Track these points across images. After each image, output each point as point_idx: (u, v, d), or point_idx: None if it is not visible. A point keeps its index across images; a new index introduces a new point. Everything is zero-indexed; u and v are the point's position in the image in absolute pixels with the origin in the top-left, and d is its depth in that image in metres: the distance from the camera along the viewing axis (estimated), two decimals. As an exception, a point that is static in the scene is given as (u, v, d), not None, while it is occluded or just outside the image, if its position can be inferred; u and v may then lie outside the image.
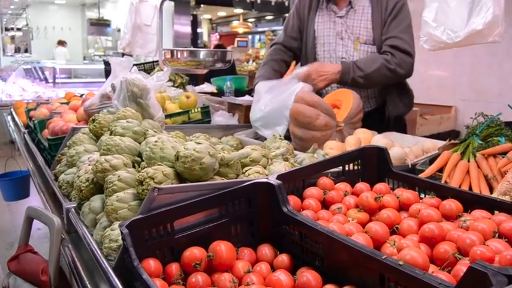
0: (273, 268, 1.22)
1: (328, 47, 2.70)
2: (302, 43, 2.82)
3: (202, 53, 2.88)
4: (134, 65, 4.27)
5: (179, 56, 2.76)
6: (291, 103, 2.15)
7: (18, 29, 13.23)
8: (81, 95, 3.83)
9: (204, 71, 3.21)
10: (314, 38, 2.72)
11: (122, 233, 1.10)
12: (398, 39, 2.45)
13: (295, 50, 2.88)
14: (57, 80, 8.38)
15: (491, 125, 1.86)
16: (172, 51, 2.77)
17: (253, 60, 14.08)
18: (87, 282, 1.33)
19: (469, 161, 1.74)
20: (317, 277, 1.10)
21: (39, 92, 7.52)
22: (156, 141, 1.47)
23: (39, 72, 8.52)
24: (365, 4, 2.57)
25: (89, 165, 1.65)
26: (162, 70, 3.56)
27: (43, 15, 15.78)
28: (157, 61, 4.10)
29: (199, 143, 1.38)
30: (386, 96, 2.63)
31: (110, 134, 1.76)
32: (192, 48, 4.28)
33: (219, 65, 2.93)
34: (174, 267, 1.17)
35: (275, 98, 2.32)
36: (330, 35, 2.66)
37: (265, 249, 1.27)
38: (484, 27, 2.05)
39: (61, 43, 15.03)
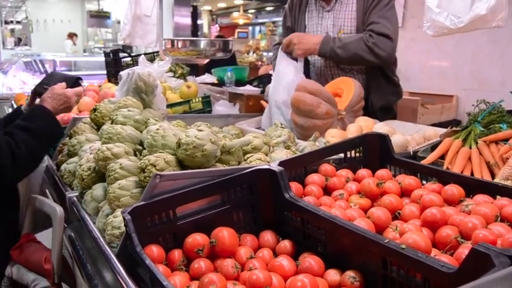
0: (275, 254, 1.22)
1: None
2: None
3: (203, 43, 2.87)
4: (133, 56, 4.28)
5: (180, 45, 2.75)
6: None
7: (18, 22, 13.19)
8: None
9: (205, 61, 3.20)
10: None
11: (124, 219, 1.10)
12: (375, 24, 2.45)
13: None
14: (57, 73, 8.34)
15: (493, 112, 1.86)
16: (172, 41, 2.76)
17: (254, 52, 14.02)
18: (90, 270, 1.34)
19: (470, 147, 1.74)
20: (319, 262, 1.10)
21: (39, 85, 7.50)
22: (157, 129, 1.47)
23: (40, 65, 8.48)
24: None
25: (91, 154, 1.65)
26: (162, 60, 3.56)
27: (42, 7, 15.71)
28: (157, 52, 4.09)
29: (200, 130, 1.38)
30: (370, 84, 2.61)
31: (111, 123, 1.76)
32: (192, 38, 4.27)
33: (219, 55, 2.92)
34: (176, 254, 1.17)
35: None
36: (318, 30, 2.68)
37: (268, 236, 1.28)
38: (488, 11, 2.04)
39: (70, 36, 14.95)
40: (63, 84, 2.06)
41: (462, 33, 2.23)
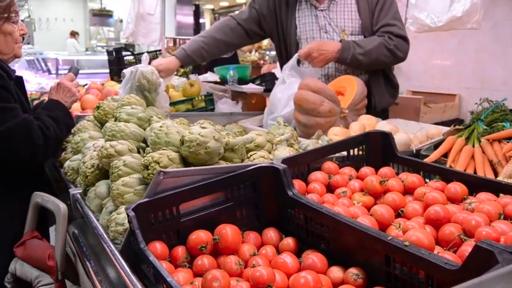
0: (279, 251, 1.22)
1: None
2: (279, 42, 2.77)
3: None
4: (136, 54, 4.28)
5: (182, 44, 2.75)
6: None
7: (21, 21, 13.20)
8: (85, 85, 3.83)
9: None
10: (296, 34, 2.67)
11: (128, 215, 1.11)
12: (391, 26, 2.45)
13: (254, 36, 2.84)
14: (60, 71, 8.35)
15: (496, 110, 1.86)
16: (174, 39, 2.76)
17: (256, 50, 13.99)
18: (94, 266, 1.35)
19: (473, 146, 1.74)
20: (323, 259, 1.11)
21: (42, 84, 7.50)
22: (161, 127, 1.47)
23: (42, 64, 8.49)
24: None
25: (94, 151, 1.66)
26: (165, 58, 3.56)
27: (45, 6, 15.72)
28: (159, 50, 4.09)
29: (204, 128, 1.38)
30: (372, 86, 2.59)
31: (115, 121, 1.76)
32: (194, 36, 4.27)
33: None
34: (180, 250, 1.18)
35: None
36: (313, 29, 2.61)
37: (271, 233, 1.28)
38: (464, 14, 2.13)
39: (72, 34, 14.96)
40: (71, 75, 2.21)
41: (442, 31, 2.31)
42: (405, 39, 2.46)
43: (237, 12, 2.93)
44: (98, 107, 1.97)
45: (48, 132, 1.80)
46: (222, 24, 2.80)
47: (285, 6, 2.69)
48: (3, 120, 1.69)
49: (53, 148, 1.90)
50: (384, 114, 2.62)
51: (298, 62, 2.54)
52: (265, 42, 14.88)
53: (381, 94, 2.59)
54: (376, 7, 2.48)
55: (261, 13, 2.74)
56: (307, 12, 2.62)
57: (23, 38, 2.09)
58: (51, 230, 2.17)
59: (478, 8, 2.09)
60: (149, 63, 2.29)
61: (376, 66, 2.53)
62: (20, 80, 2.03)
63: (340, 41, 2.45)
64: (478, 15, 2.10)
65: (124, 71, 2.16)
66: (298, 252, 1.20)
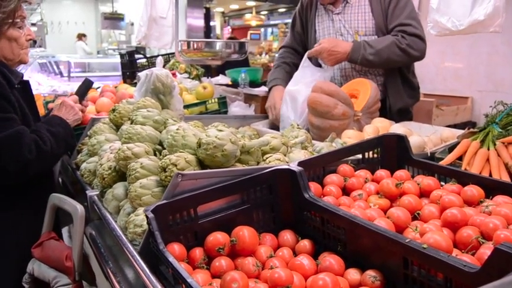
0: (295, 253, 1.23)
1: None
2: (302, 48, 2.88)
3: (218, 44, 2.88)
4: (148, 57, 4.32)
5: (196, 47, 2.77)
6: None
7: (33, 24, 13.33)
8: (97, 88, 3.87)
9: (220, 62, 3.21)
10: (315, 39, 2.74)
11: (147, 217, 1.12)
12: (405, 25, 2.45)
13: (304, 53, 2.91)
14: (72, 74, 8.43)
15: (510, 113, 1.85)
16: (188, 43, 2.78)
17: (266, 53, 14.04)
18: (112, 267, 1.36)
19: (488, 149, 1.73)
20: (340, 261, 1.11)
21: (54, 86, 7.58)
22: (177, 129, 1.49)
23: (54, 67, 8.57)
24: None
25: (111, 153, 1.67)
26: (178, 62, 3.59)
27: (57, 9, 15.87)
28: (172, 53, 4.11)
29: (220, 130, 1.39)
30: (388, 86, 2.61)
31: (131, 123, 1.78)
32: (208, 39, 4.29)
33: (235, 56, 2.94)
34: (197, 252, 1.19)
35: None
36: (330, 33, 2.68)
37: (287, 235, 1.29)
38: (486, 17, 2.10)
39: (79, 37, 15.09)
40: (75, 97, 2.23)
41: (463, 35, 2.29)
42: (421, 38, 2.45)
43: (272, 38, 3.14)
44: (113, 110, 1.99)
45: (45, 146, 1.77)
46: (281, 59, 2.99)
47: (310, 11, 2.80)
48: None
49: (48, 163, 1.88)
50: (403, 115, 2.61)
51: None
52: (275, 45, 14.91)
53: (397, 95, 2.60)
54: (389, 7, 2.50)
55: (300, 32, 2.90)
56: (325, 17, 2.71)
57: (35, 42, 2.09)
58: (64, 230, 2.20)
59: (501, 12, 2.07)
60: (164, 66, 2.31)
61: (389, 65, 2.53)
62: (26, 84, 2.01)
63: (353, 41, 2.47)
64: (500, 19, 2.08)
65: (139, 74, 2.18)
66: (314, 255, 1.21)
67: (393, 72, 2.59)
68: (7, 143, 1.68)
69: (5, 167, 1.68)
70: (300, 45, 2.94)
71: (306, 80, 2.39)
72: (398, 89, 2.60)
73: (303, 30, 2.88)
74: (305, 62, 2.52)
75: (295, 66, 2.89)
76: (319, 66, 2.61)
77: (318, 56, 2.50)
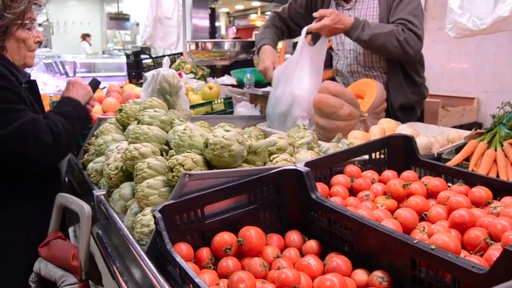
0: (302, 254, 1.23)
1: (339, 40, 2.78)
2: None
3: (226, 44, 2.89)
4: (154, 58, 4.32)
5: (204, 47, 2.77)
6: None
7: (39, 25, 13.36)
8: (103, 88, 3.88)
9: (228, 62, 3.21)
10: None
11: (154, 217, 1.12)
12: (405, 21, 2.43)
13: (291, 30, 2.95)
14: (77, 74, 8.47)
15: (518, 114, 1.84)
16: (197, 43, 2.78)
17: (271, 54, 14.00)
18: (119, 267, 1.37)
19: (496, 150, 1.73)
20: (347, 262, 1.11)
21: (60, 86, 7.60)
22: (184, 129, 1.49)
23: (60, 67, 8.60)
24: None
25: (118, 153, 1.68)
26: (184, 62, 3.59)
27: (63, 10, 15.94)
28: (179, 53, 4.12)
29: (227, 131, 1.39)
30: (390, 82, 2.60)
31: (138, 123, 1.78)
32: (217, 40, 4.30)
33: (242, 56, 2.94)
34: (204, 252, 1.19)
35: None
36: None
37: (294, 235, 1.29)
38: (510, 13, 2.02)
39: (83, 37, 15.15)
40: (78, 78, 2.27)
41: (484, 35, 2.21)
42: (418, 36, 2.42)
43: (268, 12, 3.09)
44: (120, 110, 1.99)
45: (57, 128, 1.77)
46: (271, 20, 2.96)
47: (318, 3, 2.77)
48: (12, 120, 1.67)
49: (65, 144, 1.84)
50: (406, 113, 2.59)
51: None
52: (280, 45, 14.92)
53: (399, 90, 2.59)
54: (394, 1, 2.49)
55: (302, 13, 2.86)
56: None
57: (41, 43, 2.10)
58: (70, 230, 2.20)
59: None
60: (169, 67, 2.32)
61: (383, 53, 2.52)
62: (33, 83, 2.02)
63: (355, 18, 2.46)
64: None
65: (146, 74, 2.18)
66: (321, 255, 1.21)
67: (395, 67, 2.58)
68: (25, 129, 1.68)
69: (24, 154, 1.70)
70: (292, 22, 2.91)
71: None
72: (401, 85, 2.59)
73: (306, 12, 2.82)
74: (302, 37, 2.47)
75: (282, 34, 2.94)
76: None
77: (319, 31, 2.46)
